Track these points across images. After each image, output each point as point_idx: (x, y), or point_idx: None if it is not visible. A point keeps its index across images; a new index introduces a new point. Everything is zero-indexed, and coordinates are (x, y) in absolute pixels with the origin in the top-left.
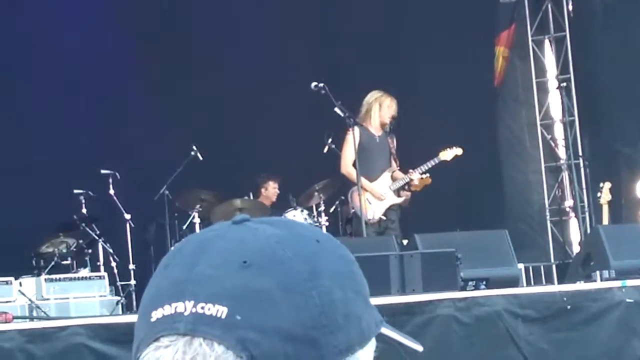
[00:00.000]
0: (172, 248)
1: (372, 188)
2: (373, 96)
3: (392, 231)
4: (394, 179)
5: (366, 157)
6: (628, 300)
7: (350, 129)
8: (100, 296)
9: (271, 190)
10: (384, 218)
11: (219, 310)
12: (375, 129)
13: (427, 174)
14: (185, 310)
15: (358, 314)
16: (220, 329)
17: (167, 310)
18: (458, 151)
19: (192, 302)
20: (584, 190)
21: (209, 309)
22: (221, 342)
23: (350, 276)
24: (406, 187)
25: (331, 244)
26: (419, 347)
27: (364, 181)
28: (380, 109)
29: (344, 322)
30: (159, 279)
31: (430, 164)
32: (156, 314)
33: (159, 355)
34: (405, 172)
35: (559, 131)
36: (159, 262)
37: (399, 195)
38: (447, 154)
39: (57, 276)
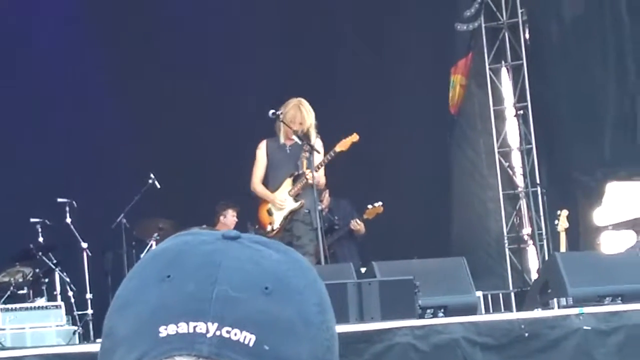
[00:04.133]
0: (152, 253)
1: (273, 198)
2: (283, 107)
3: (298, 248)
4: (293, 182)
5: (273, 168)
6: (585, 327)
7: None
8: (57, 326)
9: (230, 219)
10: (284, 228)
11: (247, 338)
12: (286, 139)
13: (380, 203)
14: (207, 332)
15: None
16: (248, 357)
17: (183, 328)
18: (354, 137)
19: (215, 325)
20: (542, 218)
21: (235, 335)
22: None
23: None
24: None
25: (315, 271)
26: None
27: (267, 193)
28: (284, 119)
29: (336, 356)
30: (162, 289)
31: (327, 158)
32: (167, 330)
33: None
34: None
35: (516, 159)
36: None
37: (295, 199)
38: (344, 144)
39: (13, 306)
